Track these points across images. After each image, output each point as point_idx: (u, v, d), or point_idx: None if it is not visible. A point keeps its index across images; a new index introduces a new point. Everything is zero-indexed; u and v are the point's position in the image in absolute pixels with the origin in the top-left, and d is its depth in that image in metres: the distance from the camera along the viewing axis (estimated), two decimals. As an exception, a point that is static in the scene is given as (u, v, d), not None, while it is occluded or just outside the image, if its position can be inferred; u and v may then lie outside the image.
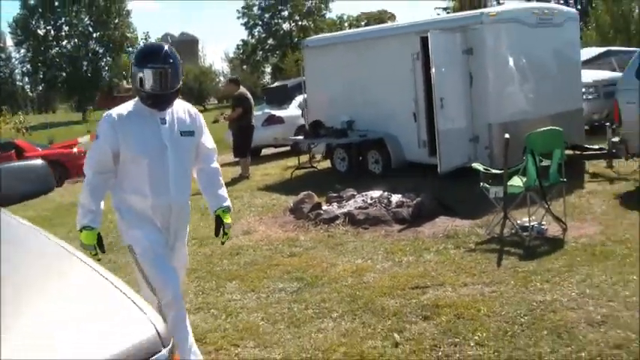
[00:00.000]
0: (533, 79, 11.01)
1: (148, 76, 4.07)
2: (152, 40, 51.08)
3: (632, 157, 9.76)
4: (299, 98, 16.97)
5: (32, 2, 73.00)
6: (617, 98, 9.62)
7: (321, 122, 13.20)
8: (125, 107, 4.23)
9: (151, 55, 4.16)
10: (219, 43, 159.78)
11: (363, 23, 78.89)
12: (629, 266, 5.87)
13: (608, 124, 10.79)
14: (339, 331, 5.01)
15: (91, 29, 76.17)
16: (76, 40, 75.24)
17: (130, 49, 76.55)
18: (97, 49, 75.97)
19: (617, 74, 13.54)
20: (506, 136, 7.38)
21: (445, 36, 10.41)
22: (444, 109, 10.05)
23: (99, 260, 3.79)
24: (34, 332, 1.79)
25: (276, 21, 77.40)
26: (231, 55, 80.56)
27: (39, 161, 3.49)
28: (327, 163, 13.83)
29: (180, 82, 4.19)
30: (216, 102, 75.46)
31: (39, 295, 2.08)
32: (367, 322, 5.13)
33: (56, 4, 73.27)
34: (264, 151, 18.33)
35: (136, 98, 4.23)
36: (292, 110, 18.08)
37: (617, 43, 29.75)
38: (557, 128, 7.70)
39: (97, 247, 4.10)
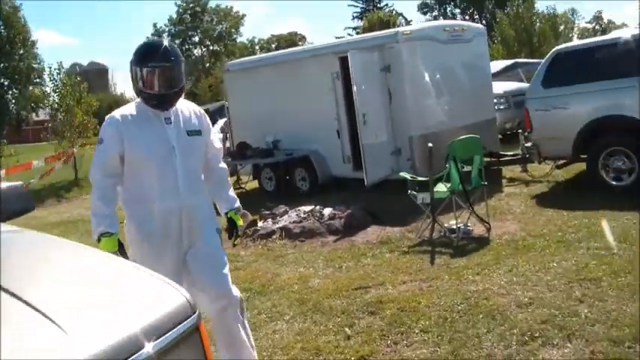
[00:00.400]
0: (448, 92, 11.65)
1: (148, 75, 3.93)
2: (63, 69, 50.27)
3: (544, 160, 10.50)
4: (220, 122, 17.26)
5: None
6: (527, 107, 10.33)
7: (247, 143, 13.57)
8: (128, 108, 4.08)
9: (150, 53, 3.98)
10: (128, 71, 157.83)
11: (273, 46, 79.73)
12: (548, 256, 6.48)
13: (520, 131, 11.53)
14: (294, 331, 5.40)
15: (-7, 60, 74.48)
16: (-24, 71, 73.45)
17: (38, 80, 75.10)
18: (2, 81, 74.22)
19: (525, 85, 14.44)
20: (430, 145, 7.95)
21: (363, 55, 10.95)
22: (366, 125, 10.56)
23: None
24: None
25: (187, 47, 77.44)
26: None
27: (18, 183, 3.76)
28: (254, 184, 14.17)
29: (184, 80, 4.04)
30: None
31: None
32: (318, 320, 5.54)
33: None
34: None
35: (138, 99, 4.08)
36: (214, 134, 18.37)
37: (522, 55, 31.34)
38: (475, 136, 8.33)
39: (119, 254, 3.88)
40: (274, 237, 8.93)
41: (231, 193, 4.41)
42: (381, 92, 11.15)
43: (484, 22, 66.72)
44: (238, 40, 79.52)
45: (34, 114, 72.28)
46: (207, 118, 4.29)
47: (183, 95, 4.09)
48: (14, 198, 3.44)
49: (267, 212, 10.08)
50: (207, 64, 73.95)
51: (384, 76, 11.16)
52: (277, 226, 9.23)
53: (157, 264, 3.69)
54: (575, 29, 63.88)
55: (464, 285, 5.93)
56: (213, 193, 4.34)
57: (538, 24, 46.12)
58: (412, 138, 11.00)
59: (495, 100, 13.93)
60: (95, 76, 73.93)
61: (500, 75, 16.57)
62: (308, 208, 9.76)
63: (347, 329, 5.23)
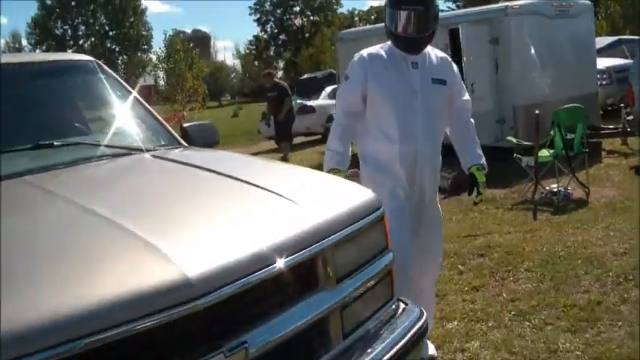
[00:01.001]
0: (553, 66, 12.08)
1: (401, 18, 3.86)
2: (181, 36, 51.81)
3: (644, 133, 10.94)
4: (329, 89, 18.18)
5: (49, 2, 74.40)
6: (630, 82, 10.74)
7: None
8: (377, 49, 4.05)
9: None
10: (229, 39, 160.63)
11: (372, 17, 79.95)
12: (644, 216, 7.09)
13: (622, 105, 11.93)
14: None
15: (107, 28, 77.56)
16: (92, 39, 76.66)
17: (146, 47, 77.98)
18: (114, 47, 77.31)
19: (629, 61, 14.68)
20: (537, 111, 8.57)
21: (473, 28, 11.57)
22: (474, 94, 11.18)
23: None
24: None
25: (288, 17, 78.58)
26: (242, 51, 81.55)
27: (207, 121, 4.67)
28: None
29: (436, 26, 3.95)
30: (229, 98, 76.64)
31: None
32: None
33: (73, 3, 74.81)
34: (295, 140, 19.50)
35: (389, 41, 4.04)
36: (322, 100, 19.31)
37: (627, 32, 30.87)
38: (579, 105, 8.89)
39: None
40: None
41: (477, 148, 4.18)
42: (489, 64, 11.73)
43: (590, -3, 65.25)
44: (338, 10, 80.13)
45: (142, 79, 75.39)
46: (456, 69, 4.19)
47: (432, 41, 3.99)
48: (205, 132, 4.29)
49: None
50: (307, 34, 74.88)
51: (492, 49, 11.72)
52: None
53: (387, 200, 3.53)
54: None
55: (564, 236, 6.62)
56: (457, 147, 4.23)
57: (646, 1, 44.97)
58: (516, 108, 11.54)
59: (598, 76, 14.25)
60: (197, 43, 75.86)
61: (604, 51, 16.76)
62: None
63: (460, 266, 6.03)
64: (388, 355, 2.45)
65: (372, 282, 2.59)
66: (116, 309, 1.74)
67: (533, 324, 4.61)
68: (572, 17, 12.54)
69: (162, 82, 43.99)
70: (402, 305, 2.83)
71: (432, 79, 3.94)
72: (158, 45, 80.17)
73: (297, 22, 79.28)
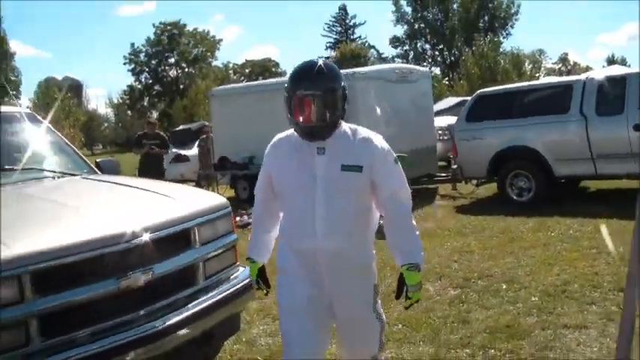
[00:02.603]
0: (395, 122, 14.16)
1: (294, 103, 3.41)
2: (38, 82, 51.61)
3: (468, 180, 13.21)
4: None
5: None
6: (454, 136, 13.01)
7: (227, 158, 16.12)
8: (288, 133, 3.66)
9: (296, 79, 3.46)
10: (101, 87, 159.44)
11: (247, 70, 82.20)
12: (446, 238, 9.10)
13: (452, 156, 14.24)
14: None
15: (-29, 74, 76.18)
16: (-45, 88, 75.05)
17: (14, 92, 76.82)
18: (-18, 96, 75.78)
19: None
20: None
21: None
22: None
23: (266, 294, 3.89)
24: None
25: (162, 68, 79.44)
26: (115, 100, 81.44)
27: (114, 158, 6.37)
28: (232, 192, 16.64)
29: (339, 110, 3.44)
30: (100, 147, 76.41)
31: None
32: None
33: None
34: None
35: None
36: (195, 150, 20.90)
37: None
38: (403, 154, 10.92)
39: (259, 283, 3.82)
40: (249, 227, 11.48)
41: (409, 244, 3.56)
42: (340, 120, 13.71)
43: (452, 58, 69.91)
44: (213, 63, 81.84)
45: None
46: (383, 154, 3.55)
47: (340, 125, 3.53)
48: (111, 165, 6.01)
49: (243, 211, 12.64)
50: (182, 86, 76.10)
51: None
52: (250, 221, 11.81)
53: (288, 299, 3.60)
54: (542, 69, 66.87)
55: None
56: (390, 241, 3.63)
57: (502, 63, 49.27)
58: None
59: (440, 132, 16.62)
60: (70, 90, 75.50)
61: (451, 110, 19.35)
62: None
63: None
64: (230, 291, 4.37)
65: (222, 249, 4.48)
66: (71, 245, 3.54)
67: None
68: (411, 82, 14.82)
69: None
70: (241, 268, 4.68)
71: (341, 166, 3.47)
72: (28, 88, 78.94)
73: (172, 73, 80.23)
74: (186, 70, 79.68)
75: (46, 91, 31.50)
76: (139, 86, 79.70)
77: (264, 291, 3.81)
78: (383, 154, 3.53)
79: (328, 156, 3.47)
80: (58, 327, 3.40)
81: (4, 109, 5.65)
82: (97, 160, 5.92)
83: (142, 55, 79.06)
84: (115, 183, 4.89)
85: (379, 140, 3.60)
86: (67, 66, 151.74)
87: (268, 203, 3.78)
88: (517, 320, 5.75)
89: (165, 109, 72.41)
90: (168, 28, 77.93)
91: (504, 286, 6.81)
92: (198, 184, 17.74)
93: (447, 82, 58.88)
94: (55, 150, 5.47)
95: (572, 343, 5.16)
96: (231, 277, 4.59)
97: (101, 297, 3.57)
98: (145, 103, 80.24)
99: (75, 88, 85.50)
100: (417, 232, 3.58)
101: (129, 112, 79.00)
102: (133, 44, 78.67)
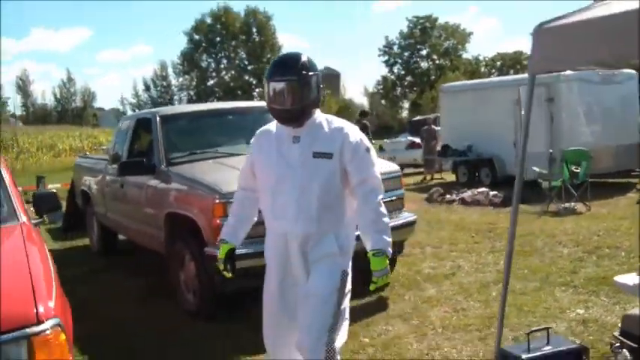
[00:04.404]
0: (600, 120, 15.85)
1: (271, 89, 3.78)
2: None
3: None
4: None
5: (197, 37, 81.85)
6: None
7: (449, 145, 18.76)
8: (272, 124, 4.01)
9: (275, 67, 3.85)
10: (359, 78, 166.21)
11: (498, 63, 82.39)
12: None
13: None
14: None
15: (246, 62, 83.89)
16: (232, 72, 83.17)
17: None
18: (251, 80, 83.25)
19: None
20: (550, 150, 12.69)
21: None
22: (530, 139, 15.23)
23: (229, 277, 4.19)
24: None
25: (415, 59, 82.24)
26: (371, 90, 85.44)
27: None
28: (453, 177, 19.33)
29: (312, 97, 3.77)
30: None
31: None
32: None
33: (217, 39, 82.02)
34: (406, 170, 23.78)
35: None
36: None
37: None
38: (582, 148, 12.89)
39: (225, 263, 4.08)
40: (455, 203, 14.10)
41: (376, 232, 3.79)
42: (545, 117, 15.80)
43: None
44: (464, 56, 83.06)
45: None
46: (357, 142, 3.85)
47: (314, 112, 3.85)
48: None
49: (454, 191, 15.21)
50: (433, 77, 78.13)
51: (547, 105, 15.82)
52: (457, 197, 14.39)
53: (266, 283, 4.02)
54: None
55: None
56: (360, 228, 3.90)
57: None
58: (565, 151, 15.46)
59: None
60: (328, 80, 79.48)
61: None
62: (482, 189, 14.77)
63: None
64: (397, 223, 6.92)
65: (392, 197, 7.10)
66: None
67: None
68: (617, 83, 16.35)
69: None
70: (406, 212, 7.30)
71: (313, 153, 3.78)
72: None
73: (424, 65, 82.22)
74: (437, 62, 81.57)
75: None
76: (392, 77, 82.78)
77: (229, 274, 4.13)
78: (354, 143, 3.83)
79: (302, 144, 3.82)
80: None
81: (261, 104, 8.15)
82: None
83: (395, 48, 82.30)
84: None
85: (352, 129, 3.90)
86: (327, 57, 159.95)
87: (247, 191, 4.16)
88: None
89: (416, 100, 74.77)
90: (421, 21, 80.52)
91: None
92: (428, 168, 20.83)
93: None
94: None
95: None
96: (399, 216, 7.07)
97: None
98: (397, 94, 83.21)
99: (333, 78, 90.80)
100: (386, 220, 3.84)
101: (382, 101, 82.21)
102: (387, 37, 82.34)
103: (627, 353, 4.70)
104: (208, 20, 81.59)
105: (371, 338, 5.96)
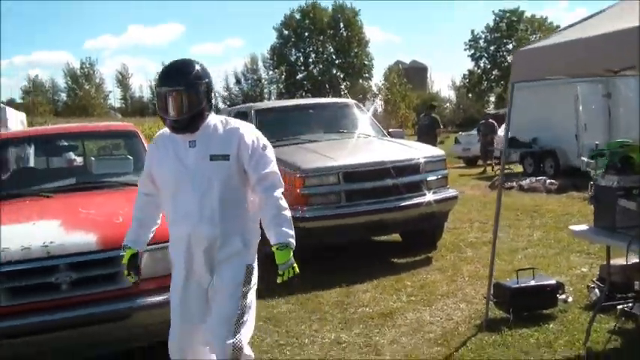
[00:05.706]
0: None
1: (160, 97, 3.76)
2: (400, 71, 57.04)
3: None
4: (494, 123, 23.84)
5: (286, 32, 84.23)
6: None
7: (516, 138, 20.09)
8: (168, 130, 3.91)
9: (163, 74, 3.81)
10: (444, 70, 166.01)
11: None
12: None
13: None
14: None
15: (334, 57, 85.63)
16: (321, 66, 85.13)
17: (367, 75, 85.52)
18: (339, 74, 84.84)
19: None
20: (597, 142, 14.01)
21: (589, 86, 16.90)
22: (586, 131, 16.64)
23: (134, 283, 4.16)
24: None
25: (501, 53, 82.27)
26: (458, 83, 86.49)
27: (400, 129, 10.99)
28: (520, 168, 20.60)
29: (201, 106, 3.75)
30: (441, 127, 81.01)
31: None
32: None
33: (306, 34, 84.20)
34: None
35: None
36: (500, 132, 24.87)
37: None
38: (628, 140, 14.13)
39: (128, 268, 4.03)
40: (514, 189, 15.64)
41: (279, 225, 3.80)
42: (603, 111, 17.05)
43: None
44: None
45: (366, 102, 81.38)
46: (254, 140, 3.88)
47: (207, 116, 3.85)
48: (397, 135, 10.68)
49: (516, 179, 16.71)
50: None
51: (604, 100, 17.07)
52: (516, 184, 15.93)
53: (172, 283, 4.03)
54: None
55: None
56: (263, 223, 3.93)
57: None
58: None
59: None
60: (414, 73, 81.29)
61: None
62: (539, 178, 16.23)
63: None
64: (440, 197, 8.80)
65: (436, 176, 8.90)
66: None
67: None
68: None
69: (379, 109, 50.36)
70: (450, 189, 9.06)
71: (210, 156, 3.80)
72: (377, 71, 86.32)
73: (510, 58, 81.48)
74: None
75: (387, 77, 37.28)
76: (478, 71, 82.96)
77: (133, 279, 4.07)
78: (250, 141, 3.83)
79: (198, 148, 3.80)
80: (354, 197, 8.17)
81: (336, 100, 10.39)
82: (390, 130, 10.58)
83: (481, 42, 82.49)
84: (388, 141, 9.37)
85: (247, 128, 3.90)
86: (415, 51, 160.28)
87: (148, 196, 4.11)
88: None
89: (502, 94, 74.84)
90: (507, 15, 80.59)
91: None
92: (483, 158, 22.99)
93: None
94: (365, 124, 10.10)
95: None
96: (443, 191, 8.78)
97: (376, 186, 8.23)
98: (484, 87, 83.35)
99: (419, 71, 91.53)
100: (286, 212, 3.84)
101: (469, 94, 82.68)
102: (472, 31, 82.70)
103: (597, 291, 6.37)
104: (297, 16, 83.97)
105: (412, 282, 7.78)
